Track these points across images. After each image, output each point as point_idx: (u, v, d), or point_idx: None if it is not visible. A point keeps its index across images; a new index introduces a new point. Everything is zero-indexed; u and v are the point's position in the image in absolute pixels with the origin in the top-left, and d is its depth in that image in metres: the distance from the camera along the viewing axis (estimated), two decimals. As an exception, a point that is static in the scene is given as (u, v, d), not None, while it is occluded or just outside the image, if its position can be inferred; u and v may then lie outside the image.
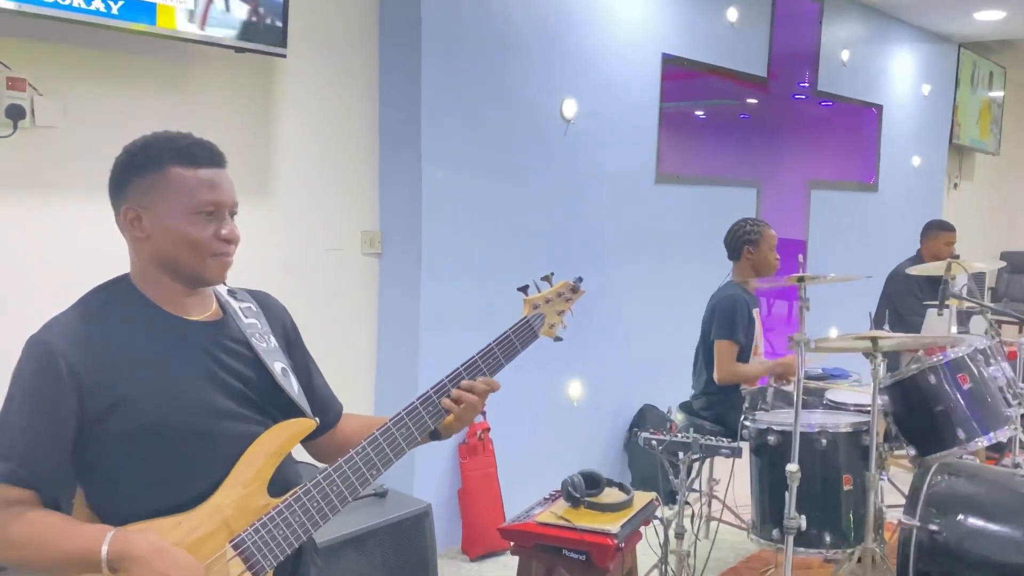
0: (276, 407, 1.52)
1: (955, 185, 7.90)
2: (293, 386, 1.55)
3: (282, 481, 1.49)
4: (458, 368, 1.60)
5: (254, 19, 2.76)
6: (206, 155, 1.47)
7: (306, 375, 1.66)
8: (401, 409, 1.55)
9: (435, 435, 1.62)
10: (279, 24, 2.84)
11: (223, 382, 1.46)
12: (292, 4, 2.90)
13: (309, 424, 1.51)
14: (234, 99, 2.99)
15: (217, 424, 1.43)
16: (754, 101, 5.38)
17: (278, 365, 1.54)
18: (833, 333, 5.48)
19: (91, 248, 2.61)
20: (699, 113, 5.15)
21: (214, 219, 1.45)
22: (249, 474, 1.44)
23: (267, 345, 1.54)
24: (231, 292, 1.59)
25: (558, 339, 1.75)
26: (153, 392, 1.39)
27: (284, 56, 2.91)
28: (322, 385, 1.70)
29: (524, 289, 1.73)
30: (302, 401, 1.56)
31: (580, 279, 1.77)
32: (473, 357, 1.61)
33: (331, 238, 3.36)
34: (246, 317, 1.56)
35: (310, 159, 3.25)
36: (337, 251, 3.39)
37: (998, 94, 8.11)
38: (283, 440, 1.48)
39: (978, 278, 3.34)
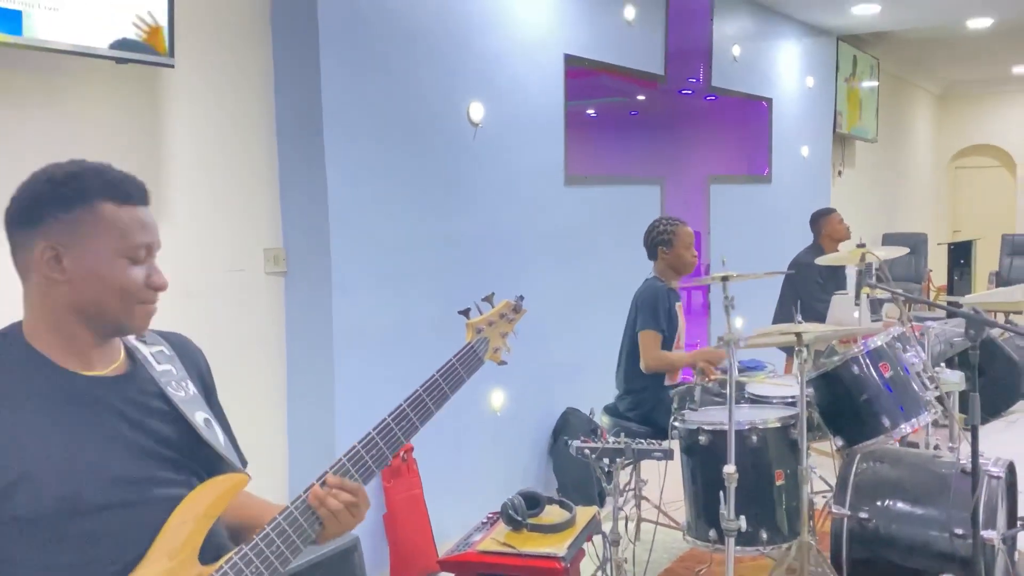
0: (200, 464, 1.35)
1: (840, 173, 8.22)
2: (219, 438, 1.38)
3: (214, 546, 1.32)
4: (401, 405, 1.46)
5: (136, 27, 2.53)
6: (138, 192, 1.31)
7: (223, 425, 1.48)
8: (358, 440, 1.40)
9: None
10: (165, 32, 2.62)
11: (136, 444, 1.28)
12: (178, 11, 2.68)
13: (242, 479, 1.35)
14: (118, 113, 2.74)
15: (133, 493, 1.25)
16: (653, 99, 5.41)
17: (199, 416, 1.37)
18: (738, 324, 5.58)
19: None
20: (602, 113, 5.14)
21: (143, 263, 1.29)
22: (176, 543, 1.27)
23: (185, 394, 1.37)
24: (138, 336, 1.41)
25: (502, 363, 1.65)
26: (54, 466, 1.20)
27: (172, 66, 2.69)
28: (229, 441, 1.51)
29: (466, 312, 1.61)
30: (230, 454, 1.39)
31: (521, 297, 1.68)
32: (417, 391, 1.48)
33: (231, 258, 3.14)
34: (158, 363, 1.38)
35: (204, 175, 3.03)
36: (238, 272, 3.17)
37: (873, 84, 8.48)
38: (213, 500, 1.31)
39: (869, 266, 3.42)
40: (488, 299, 1.64)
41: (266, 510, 1.41)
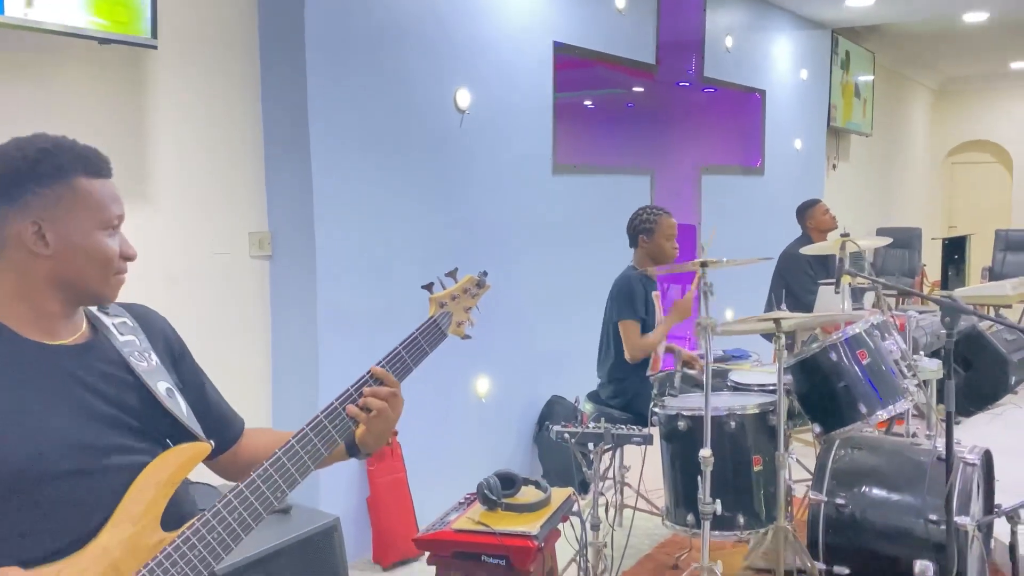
0: (163, 432, 1.37)
1: (834, 166, 8.23)
2: (181, 407, 1.40)
3: (176, 513, 1.34)
4: (364, 376, 1.49)
5: (119, 8, 2.54)
6: (105, 165, 1.34)
7: (198, 391, 1.51)
8: (305, 424, 1.43)
9: (353, 451, 1.51)
10: (148, 13, 2.63)
11: (99, 411, 1.30)
12: (162, -9, 2.70)
13: (203, 448, 1.37)
14: (101, 95, 2.76)
15: (96, 460, 1.27)
16: (644, 89, 5.42)
17: (162, 385, 1.38)
18: (729, 315, 5.60)
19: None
20: (592, 102, 5.14)
21: (116, 235, 1.34)
22: (138, 509, 1.29)
23: (148, 364, 1.39)
24: (100, 307, 1.43)
25: (467, 337, 1.67)
26: (16, 433, 1.22)
27: (155, 47, 2.70)
28: (218, 400, 1.56)
29: (429, 287, 1.64)
30: (192, 423, 1.41)
31: (485, 273, 1.70)
32: (380, 361, 1.51)
33: (216, 242, 3.16)
34: (121, 334, 1.39)
35: (189, 158, 3.05)
36: (223, 255, 3.19)
37: (868, 78, 8.48)
38: (174, 468, 1.33)
39: (854, 256, 3.43)
40: (451, 274, 1.66)
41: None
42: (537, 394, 4.39)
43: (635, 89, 5.42)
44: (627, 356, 3.56)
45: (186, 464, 1.35)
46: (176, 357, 1.48)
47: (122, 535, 1.27)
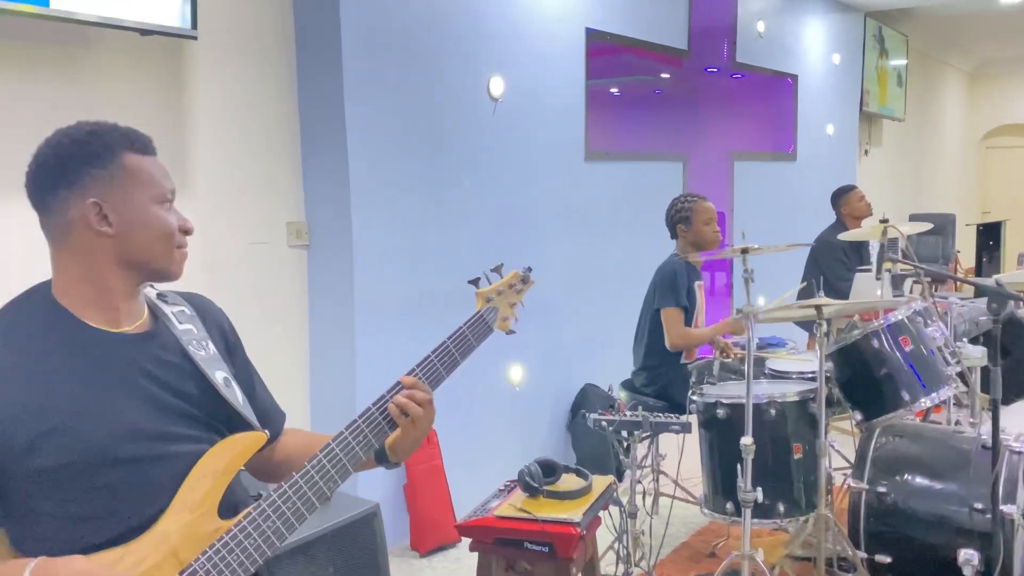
0: (220, 421, 1.38)
1: (866, 152, 8.12)
2: (237, 396, 1.41)
3: (232, 502, 1.35)
4: (413, 368, 1.48)
5: (160, -1, 2.56)
6: (149, 143, 1.37)
7: (248, 383, 1.51)
8: (344, 427, 1.41)
9: (381, 458, 1.48)
10: (188, 3, 2.64)
11: (159, 400, 1.31)
12: (200, -18, 2.71)
13: (259, 437, 1.38)
14: (142, 86, 2.78)
15: (156, 447, 1.28)
16: (676, 74, 5.37)
17: (219, 374, 1.40)
18: (760, 302, 5.55)
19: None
20: (623, 88, 5.10)
21: (171, 209, 1.36)
22: (196, 497, 1.30)
23: (206, 353, 1.40)
24: (161, 296, 1.44)
25: (511, 332, 1.67)
26: (81, 420, 1.23)
27: (195, 38, 2.71)
28: (264, 393, 1.56)
29: (475, 282, 1.64)
30: (248, 412, 1.42)
31: (529, 269, 1.71)
32: (429, 356, 1.49)
33: (254, 231, 3.18)
34: (180, 323, 1.41)
35: (227, 148, 3.06)
36: (262, 244, 3.21)
37: (901, 62, 8.35)
38: (231, 457, 1.34)
39: (892, 242, 3.39)
40: (497, 269, 1.66)
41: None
42: (570, 382, 4.39)
43: (667, 75, 5.37)
44: (668, 344, 3.54)
45: (242, 453, 1.36)
46: (230, 348, 1.49)
47: (180, 522, 1.28)
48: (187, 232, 1.37)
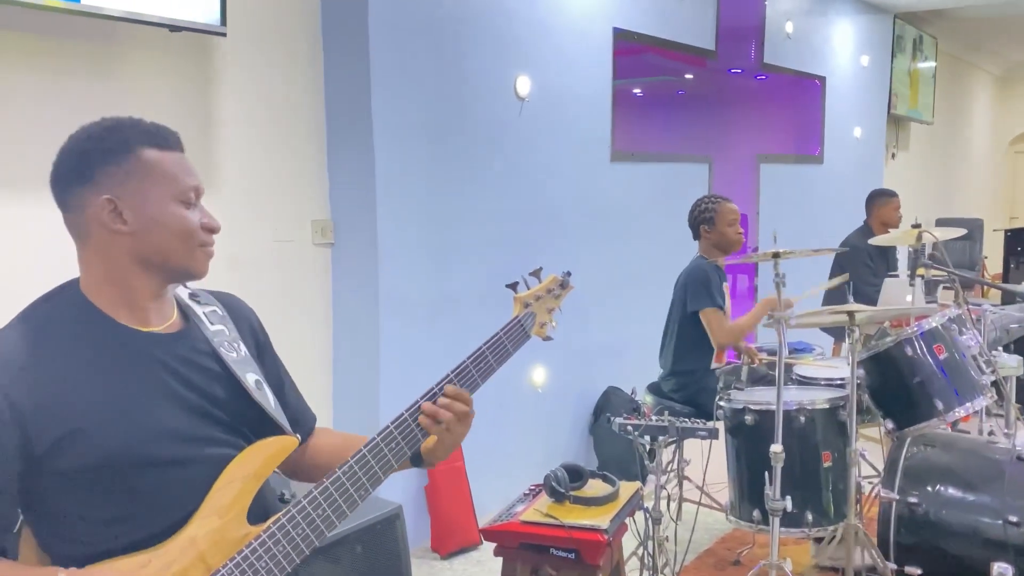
0: (250, 425, 1.36)
1: (893, 155, 8.01)
2: (269, 399, 1.39)
3: (261, 507, 1.33)
4: (448, 374, 1.44)
5: (189, -5, 2.55)
6: (173, 138, 1.33)
7: (278, 384, 1.49)
8: (376, 434, 1.37)
9: (417, 461, 1.46)
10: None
11: (189, 401, 1.29)
12: (230, -22, 2.69)
13: (290, 442, 1.35)
14: (170, 82, 2.77)
15: (185, 450, 1.26)
16: (703, 75, 5.31)
17: (251, 377, 1.37)
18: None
19: (24, 250, 2.38)
20: (650, 88, 5.06)
21: (195, 207, 1.31)
22: (225, 501, 1.28)
23: (237, 355, 1.37)
24: (193, 295, 1.42)
25: (548, 339, 1.62)
26: (109, 420, 1.21)
27: (224, 35, 2.70)
28: (294, 395, 1.54)
29: (513, 286, 1.59)
30: (280, 416, 1.39)
31: (568, 273, 1.66)
32: (465, 363, 1.45)
33: (280, 229, 3.16)
34: (211, 323, 1.38)
35: (254, 146, 3.05)
36: (287, 243, 3.20)
37: (930, 64, 8.24)
38: (262, 461, 1.32)
39: (925, 247, 3.33)
40: (535, 273, 1.61)
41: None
42: (593, 384, 4.35)
43: (694, 75, 5.32)
44: (715, 344, 3.48)
45: (273, 458, 1.33)
46: (260, 348, 1.47)
47: (209, 527, 1.26)
48: (212, 231, 1.33)
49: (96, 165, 1.25)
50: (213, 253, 1.34)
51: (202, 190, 1.34)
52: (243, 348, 1.40)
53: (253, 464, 1.30)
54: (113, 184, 1.25)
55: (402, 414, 1.39)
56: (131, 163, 1.26)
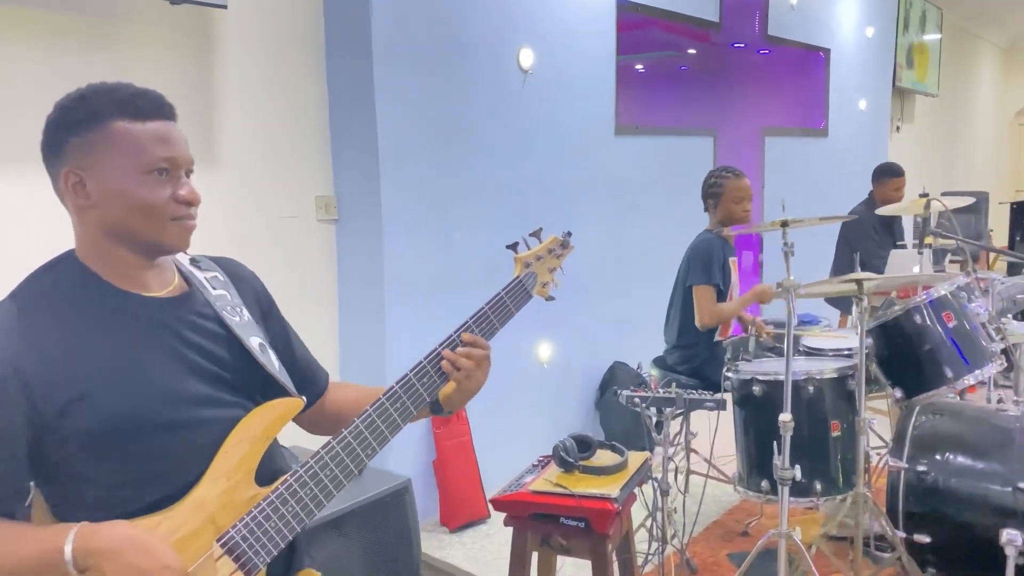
0: (256, 387, 1.35)
1: (897, 128, 7.96)
2: (273, 362, 1.38)
3: (269, 469, 1.32)
4: (453, 335, 1.45)
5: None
6: (152, 106, 1.27)
7: (286, 345, 1.50)
8: (395, 383, 1.40)
9: (436, 409, 1.48)
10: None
11: (194, 364, 1.28)
12: (228, -51, 2.66)
13: (296, 403, 1.34)
14: (171, 56, 2.74)
15: (191, 412, 1.25)
16: (707, 48, 5.26)
17: (255, 340, 1.36)
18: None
19: (17, 225, 2.37)
20: (654, 61, 5.01)
21: (169, 179, 1.26)
22: (232, 463, 1.27)
23: (240, 319, 1.37)
24: (193, 261, 1.41)
25: (550, 299, 1.63)
26: (114, 383, 1.20)
27: (225, 7, 2.67)
28: (304, 354, 1.55)
29: (514, 246, 1.59)
30: (284, 378, 1.39)
31: (569, 233, 1.66)
32: (467, 322, 1.47)
33: (283, 205, 3.15)
34: (214, 288, 1.37)
35: (256, 121, 3.03)
36: (290, 219, 3.18)
37: (936, 37, 8.16)
38: (268, 423, 1.31)
39: (925, 220, 3.30)
40: (536, 234, 1.61)
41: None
42: (599, 359, 4.34)
43: (698, 48, 5.27)
44: (697, 323, 3.48)
45: (279, 419, 1.33)
46: (265, 311, 1.46)
47: (218, 489, 1.26)
48: (188, 203, 1.27)
49: (65, 136, 1.24)
50: (193, 226, 1.29)
51: (182, 161, 1.27)
52: (246, 313, 1.39)
53: (260, 425, 1.30)
54: (77, 156, 1.23)
55: (421, 362, 1.41)
56: (95, 134, 1.23)
